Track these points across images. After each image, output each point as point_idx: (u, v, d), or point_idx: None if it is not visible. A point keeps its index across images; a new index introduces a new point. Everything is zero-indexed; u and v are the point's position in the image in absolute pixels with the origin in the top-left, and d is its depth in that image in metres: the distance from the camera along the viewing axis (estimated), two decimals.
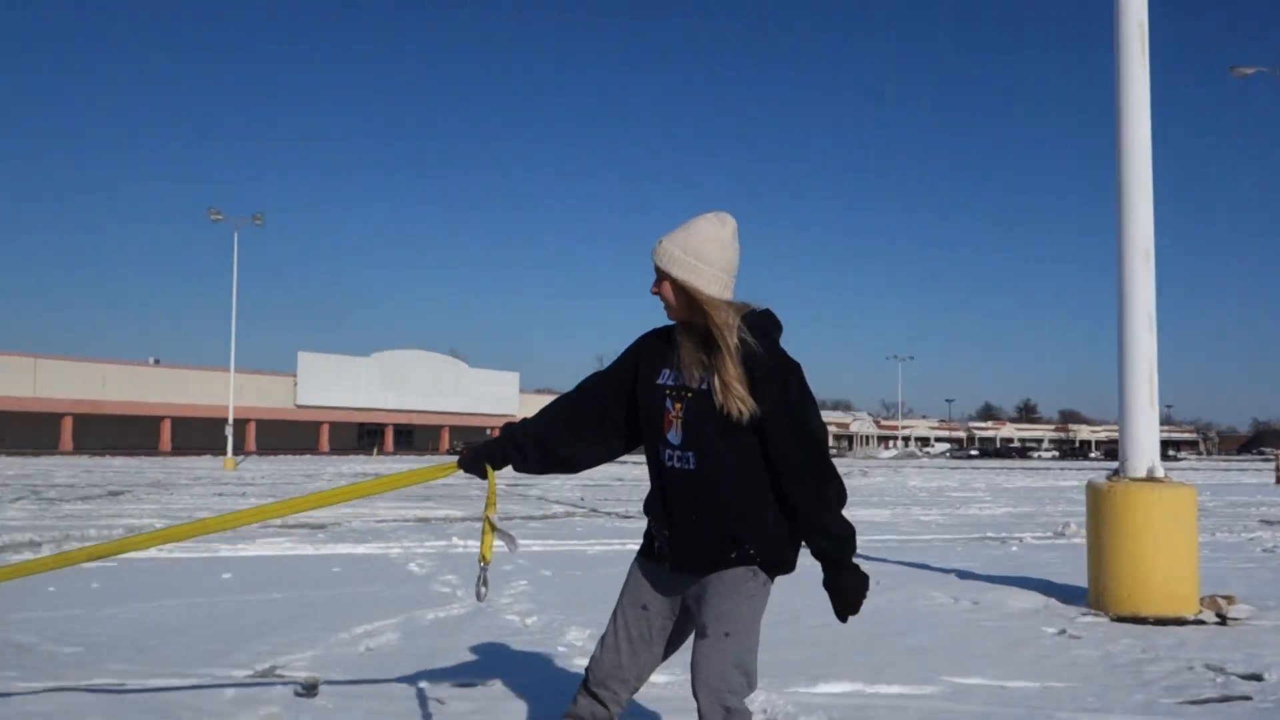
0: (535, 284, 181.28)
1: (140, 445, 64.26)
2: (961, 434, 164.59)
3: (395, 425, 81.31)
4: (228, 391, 46.39)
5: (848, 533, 3.00)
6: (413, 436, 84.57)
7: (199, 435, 65.16)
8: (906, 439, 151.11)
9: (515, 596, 8.21)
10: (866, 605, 3.10)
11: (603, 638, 3.23)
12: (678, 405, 3.03)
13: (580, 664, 5.78)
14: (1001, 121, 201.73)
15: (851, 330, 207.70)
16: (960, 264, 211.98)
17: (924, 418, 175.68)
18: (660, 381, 3.08)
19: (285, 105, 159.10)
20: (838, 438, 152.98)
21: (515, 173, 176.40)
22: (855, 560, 3.04)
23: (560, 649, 6.19)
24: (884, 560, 10.98)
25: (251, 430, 67.62)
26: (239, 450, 50.92)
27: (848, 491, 3.06)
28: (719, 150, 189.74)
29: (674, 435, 3.04)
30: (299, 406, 74.87)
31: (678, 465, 3.05)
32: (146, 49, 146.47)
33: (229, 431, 44.94)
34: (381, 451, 73.33)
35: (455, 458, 3.43)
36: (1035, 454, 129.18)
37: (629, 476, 37.80)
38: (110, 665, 5.65)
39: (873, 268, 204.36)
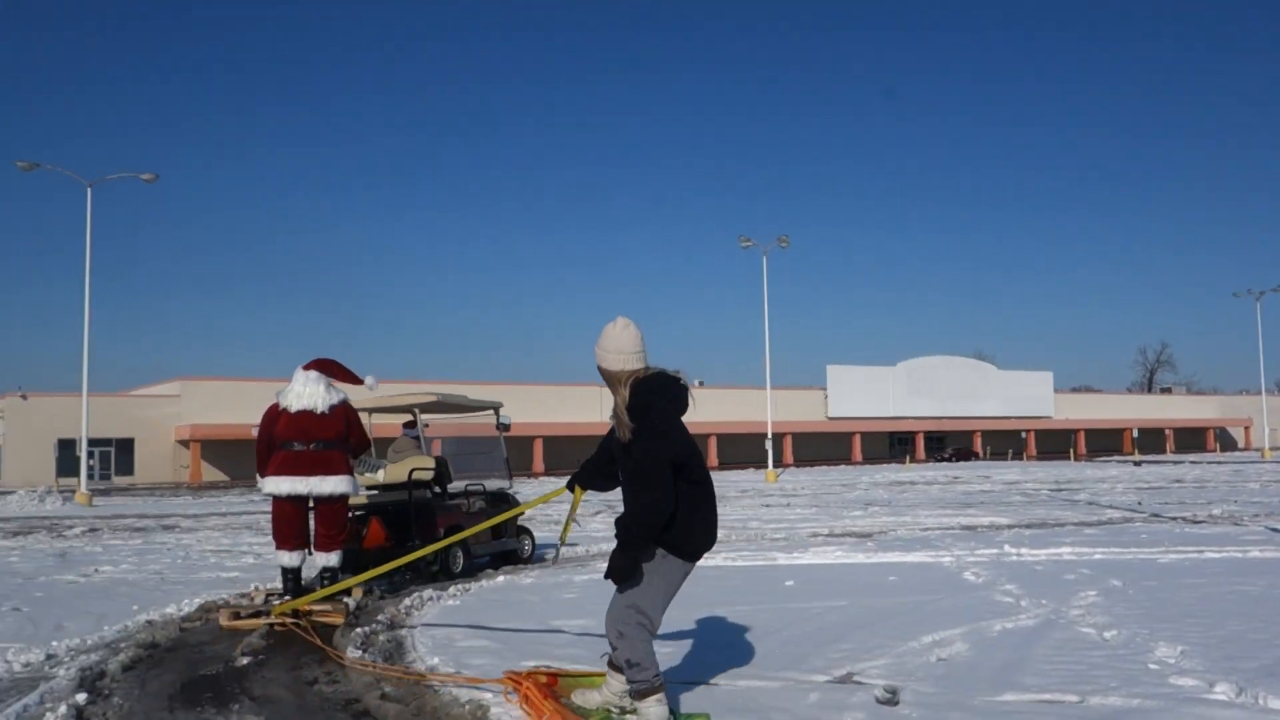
0: (1063, 277, 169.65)
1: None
2: None
3: (926, 433, 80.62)
4: (765, 408, 48.93)
5: (629, 531, 4.48)
6: (944, 443, 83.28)
7: (742, 450, 69.38)
8: None
9: (1086, 608, 7.69)
10: None
11: None
12: None
13: (1177, 683, 5.26)
14: None
15: None
16: None
17: None
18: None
19: (817, 126, 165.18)
20: None
21: (1041, 163, 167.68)
22: (627, 551, 4.48)
23: (1151, 666, 5.67)
24: None
25: (788, 443, 70.59)
26: (778, 463, 53.33)
27: (659, 514, 4.46)
28: None
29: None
30: (830, 419, 76.89)
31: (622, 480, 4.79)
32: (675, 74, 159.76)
33: (769, 445, 47.26)
34: (914, 459, 73.04)
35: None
36: None
37: (1189, 477, 34.21)
38: (704, 662, 6.11)
39: None
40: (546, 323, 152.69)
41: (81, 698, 5.61)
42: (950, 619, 7.32)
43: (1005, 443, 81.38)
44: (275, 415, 9.07)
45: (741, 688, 5.50)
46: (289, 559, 9.02)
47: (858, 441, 76.65)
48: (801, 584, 9.52)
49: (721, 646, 6.64)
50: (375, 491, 10.91)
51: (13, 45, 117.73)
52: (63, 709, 5.29)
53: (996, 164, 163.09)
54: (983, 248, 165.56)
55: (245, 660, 6.81)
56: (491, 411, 12.47)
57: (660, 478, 4.44)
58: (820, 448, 75.16)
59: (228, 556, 13.55)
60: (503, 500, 12.23)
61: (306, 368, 9.27)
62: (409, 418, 12.23)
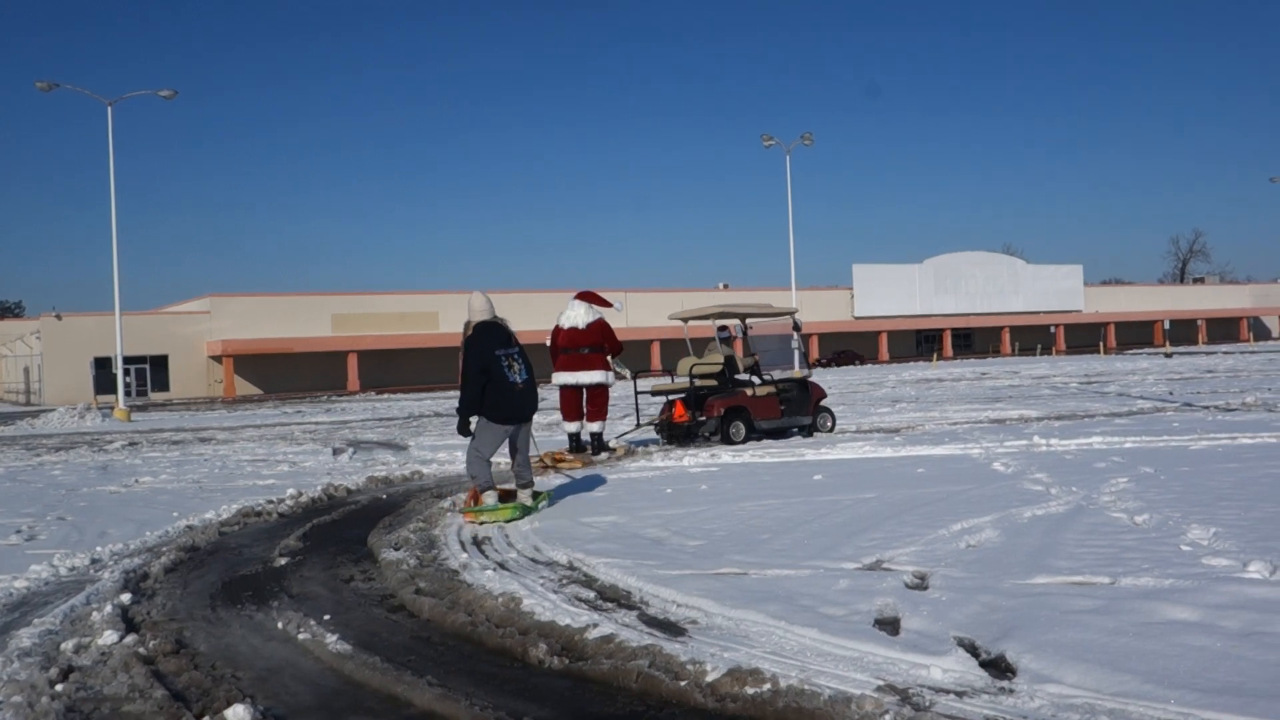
0: (1095, 168, 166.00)
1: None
2: None
3: (953, 329, 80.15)
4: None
5: (459, 406, 8.02)
6: (971, 340, 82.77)
7: (767, 351, 69.40)
8: None
9: (1117, 494, 7.67)
10: None
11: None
12: None
13: (1210, 563, 5.26)
14: None
15: None
16: None
17: None
18: None
19: (826, 33, 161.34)
20: None
21: (1054, 58, 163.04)
22: (460, 417, 8.06)
23: (1184, 548, 5.66)
24: None
25: (814, 343, 70.41)
26: (805, 363, 53.21)
27: (471, 398, 7.98)
28: None
29: None
30: (856, 318, 76.48)
31: None
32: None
33: (794, 345, 47.16)
34: (941, 357, 72.85)
35: None
36: None
37: (1221, 367, 33.91)
38: (731, 556, 6.16)
39: None
40: (568, 230, 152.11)
41: (126, 598, 5.75)
42: (980, 507, 7.33)
43: (1034, 338, 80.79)
44: (556, 331, 13.09)
45: (771, 576, 5.55)
46: (570, 427, 13.05)
47: (884, 340, 76.38)
48: (830, 478, 9.55)
49: (751, 538, 6.69)
50: (686, 382, 14.29)
51: None
52: (108, 608, 5.42)
53: (1023, 54, 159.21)
54: (1011, 140, 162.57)
55: (283, 560, 6.94)
56: (789, 316, 15.91)
57: (470, 379, 8.00)
58: (846, 346, 74.92)
59: (264, 465, 13.75)
60: (802, 386, 15.14)
61: (575, 296, 13.17)
62: (723, 323, 15.75)
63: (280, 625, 5.23)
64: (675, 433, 14.07)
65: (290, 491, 10.08)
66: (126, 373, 40.63)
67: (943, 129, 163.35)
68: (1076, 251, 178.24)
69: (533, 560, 6.57)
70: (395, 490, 10.70)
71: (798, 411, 14.81)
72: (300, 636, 4.99)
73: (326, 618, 5.33)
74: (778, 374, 15.02)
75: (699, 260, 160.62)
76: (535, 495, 8.72)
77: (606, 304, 13.23)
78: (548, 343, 13.34)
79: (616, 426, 16.68)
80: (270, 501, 9.55)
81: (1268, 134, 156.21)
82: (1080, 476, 8.75)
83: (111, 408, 32.14)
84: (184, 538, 7.83)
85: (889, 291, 78.88)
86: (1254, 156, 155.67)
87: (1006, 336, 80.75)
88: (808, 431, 14.85)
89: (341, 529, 8.32)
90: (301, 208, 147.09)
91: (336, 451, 15.01)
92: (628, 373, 13.83)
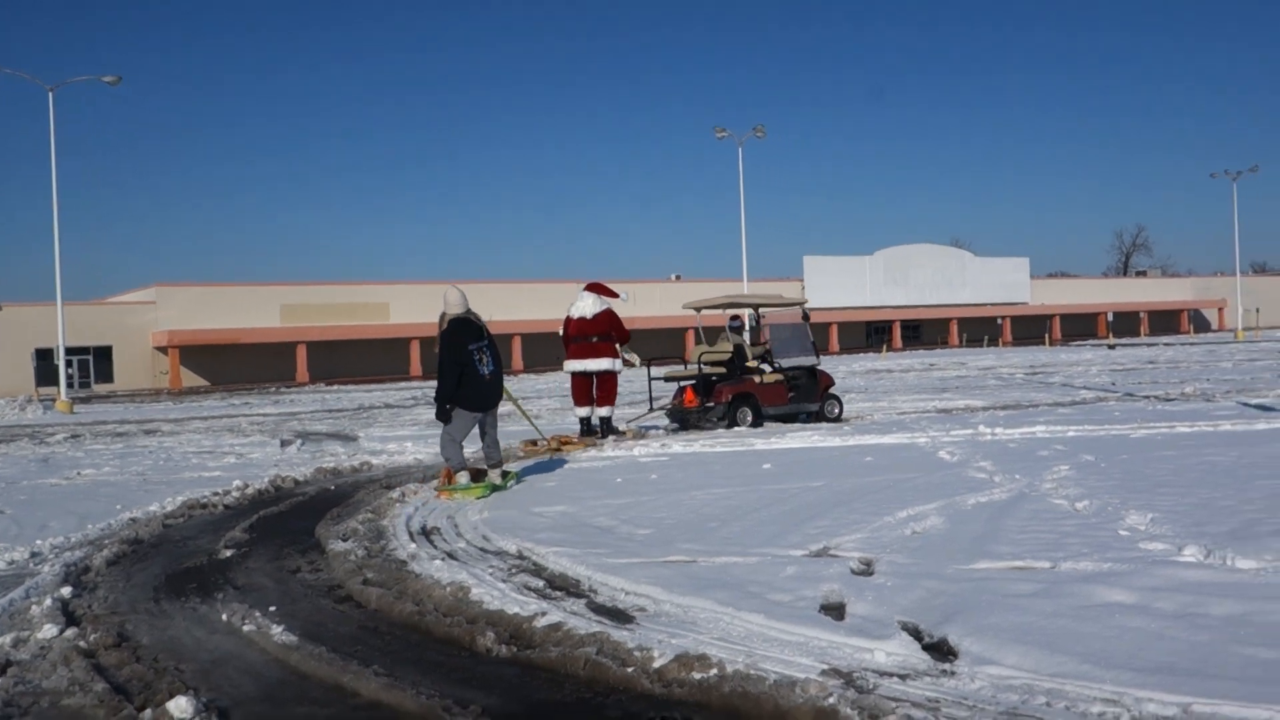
0: (1042, 163, 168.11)
1: (671, 353, 69.67)
2: None
3: (902, 321, 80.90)
4: None
5: (437, 396, 8.96)
6: (920, 331, 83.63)
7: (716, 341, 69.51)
8: None
9: (1059, 481, 7.81)
10: None
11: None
12: None
13: (1147, 547, 5.38)
14: None
15: None
16: None
17: None
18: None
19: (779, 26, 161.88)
20: None
21: (1014, 54, 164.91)
22: (437, 405, 9.00)
23: (1122, 533, 5.79)
24: None
25: (766, 334, 70.74)
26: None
27: (448, 389, 8.78)
28: None
29: None
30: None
31: None
32: None
33: (745, 336, 47.36)
34: (890, 348, 73.55)
35: None
36: None
37: (1162, 358, 34.60)
38: (680, 544, 6.19)
39: None
40: (519, 222, 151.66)
41: (66, 591, 5.66)
42: (925, 495, 7.42)
43: (981, 330, 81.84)
44: (568, 320, 13.77)
45: (719, 564, 5.59)
46: (581, 411, 13.79)
47: (834, 332, 76.96)
48: (778, 467, 9.62)
49: (700, 527, 6.73)
50: (696, 370, 14.92)
51: None
52: (48, 602, 5.34)
53: (970, 48, 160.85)
54: (960, 134, 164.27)
55: (229, 552, 6.87)
56: (798, 306, 17.10)
57: (446, 370, 8.75)
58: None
59: (210, 457, 13.57)
60: (810, 374, 15.68)
61: (584, 288, 13.92)
62: (734, 313, 16.59)
63: (225, 617, 5.18)
64: (685, 418, 14.58)
65: (236, 483, 9.98)
66: (69, 364, 39.92)
67: (894, 123, 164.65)
68: (1023, 245, 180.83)
69: (481, 550, 6.57)
70: (344, 481, 10.62)
71: (806, 398, 15.39)
72: (245, 628, 4.95)
73: (272, 609, 5.29)
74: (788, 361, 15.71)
75: (651, 252, 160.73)
76: (505, 475, 9.37)
77: (614, 295, 13.97)
78: (560, 332, 14.08)
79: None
80: (216, 493, 9.45)
81: (1209, 130, 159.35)
82: (1023, 464, 8.89)
83: (53, 400, 31.52)
84: (127, 530, 7.72)
85: (839, 283, 79.43)
86: (1195, 152, 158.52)
87: (954, 328, 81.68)
88: (816, 417, 15.44)
89: (289, 520, 8.25)
90: (251, 197, 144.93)
91: (284, 443, 14.86)
92: (636, 360, 14.41)
